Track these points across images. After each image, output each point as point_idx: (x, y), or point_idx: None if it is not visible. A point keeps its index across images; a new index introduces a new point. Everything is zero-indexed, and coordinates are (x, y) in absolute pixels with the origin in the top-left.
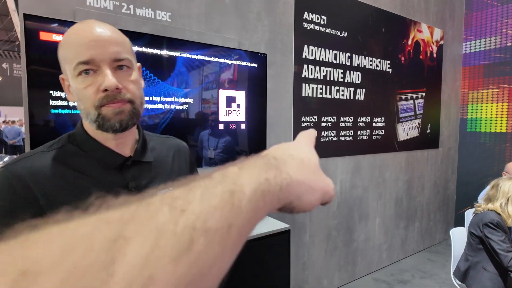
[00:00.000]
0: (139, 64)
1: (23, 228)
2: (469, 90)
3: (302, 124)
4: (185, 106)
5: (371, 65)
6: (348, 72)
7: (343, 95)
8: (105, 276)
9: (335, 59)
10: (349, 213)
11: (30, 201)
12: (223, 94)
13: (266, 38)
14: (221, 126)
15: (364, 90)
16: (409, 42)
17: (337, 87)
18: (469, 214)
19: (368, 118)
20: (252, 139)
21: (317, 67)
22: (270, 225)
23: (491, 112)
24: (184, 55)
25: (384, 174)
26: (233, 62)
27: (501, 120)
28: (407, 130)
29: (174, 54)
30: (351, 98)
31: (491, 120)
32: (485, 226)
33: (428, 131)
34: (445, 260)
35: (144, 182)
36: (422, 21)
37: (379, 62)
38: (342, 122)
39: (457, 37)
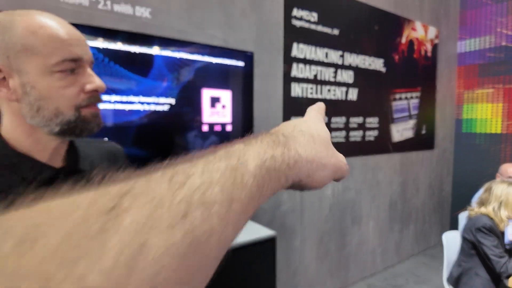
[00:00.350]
0: None
1: (26, 201)
2: (464, 90)
3: None
4: (166, 107)
5: (363, 64)
6: (340, 71)
7: (334, 95)
8: (99, 242)
9: (326, 57)
10: (342, 216)
11: None
12: (207, 94)
13: (253, 35)
14: (205, 128)
15: (356, 89)
16: (403, 41)
17: (328, 87)
18: (463, 218)
19: (361, 118)
20: None
21: (307, 66)
22: (255, 232)
23: (486, 112)
24: (165, 53)
25: (377, 176)
26: (217, 60)
27: (496, 121)
28: (401, 131)
29: (155, 52)
30: (343, 98)
31: (486, 121)
32: (477, 231)
33: (423, 132)
34: (439, 264)
35: None
36: (416, 19)
37: (372, 61)
38: (333, 123)
39: (452, 36)
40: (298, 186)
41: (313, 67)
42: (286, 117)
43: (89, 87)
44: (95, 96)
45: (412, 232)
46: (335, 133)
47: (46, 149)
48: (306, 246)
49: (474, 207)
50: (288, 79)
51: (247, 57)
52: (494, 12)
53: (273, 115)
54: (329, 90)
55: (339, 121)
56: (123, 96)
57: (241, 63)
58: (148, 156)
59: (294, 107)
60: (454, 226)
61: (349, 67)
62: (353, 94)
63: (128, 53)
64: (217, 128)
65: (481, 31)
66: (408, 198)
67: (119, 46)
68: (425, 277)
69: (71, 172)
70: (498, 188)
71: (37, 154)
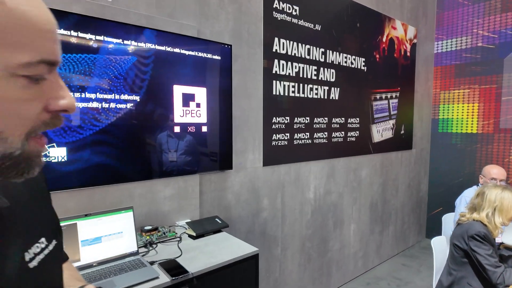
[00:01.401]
0: None
1: None
2: (440, 90)
3: (274, 126)
4: (130, 105)
5: (345, 62)
6: (322, 69)
7: (316, 94)
8: None
9: (308, 54)
10: (324, 221)
11: None
12: (178, 90)
13: (230, 27)
14: (176, 129)
15: (338, 89)
16: (384, 39)
17: (310, 85)
18: (447, 220)
19: (343, 119)
20: (214, 144)
21: (289, 63)
22: (237, 249)
23: (462, 112)
24: (128, 42)
25: (359, 178)
26: (190, 53)
27: (472, 121)
28: (381, 131)
29: (116, 41)
30: (325, 97)
31: (462, 121)
32: (470, 239)
33: (402, 132)
34: (419, 265)
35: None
36: (396, 18)
37: (354, 59)
38: (316, 123)
39: (430, 36)
40: None
41: (295, 64)
42: (267, 117)
43: (61, 103)
44: (59, 119)
45: (392, 233)
46: (318, 134)
47: None
48: (287, 254)
49: (466, 213)
50: (269, 76)
51: (225, 50)
52: (471, 13)
53: (253, 114)
54: (311, 89)
55: (321, 121)
56: (76, 93)
57: (217, 57)
58: (111, 164)
59: (276, 107)
60: (430, 226)
61: (331, 65)
62: (335, 93)
63: (82, 41)
64: (191, 129)
65: (458, 31)
66: (388, 199)
67: (70, 32)
68: (407, 280)
69: None
70: (492, 193)
71: None
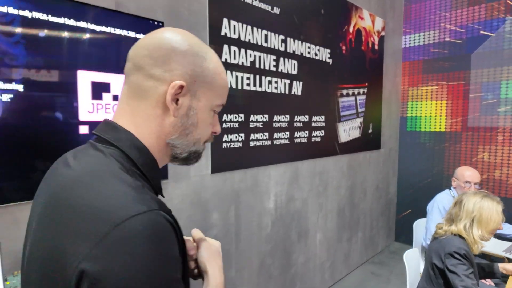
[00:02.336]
0: None
1: None
2: (409, 86)
3: (224, 125)
4: (7, 97)
5: (309, 53)
6: (282, 59)
7: (276, 88)
8: None
9: (266, 41)
10: (286, 232)
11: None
12: (85, 78)
13: (165, 2)
14: (83, 129)
15: (301, 82)
16: (351, 30)
17: (269, 78)
18: (419, 226)
19: (307, 117)
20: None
21: (243, 50)
22: None
23: (431, 110)
24: (14, 12)
25: (325, 182)
26: (104, 29)
27: (440, 119)
28: (348, 131)
29: None
30: (286, 92)
31: (430, 119)
32: (448, 256)
33: (370, 131)
34: (389, 272)
35: None
36: (364, 7)
37: (318, 50)
38: (276, 121)
39: (397, 29)
40: None
41: (250, 52)
42: None
43: (216, 129)
44: (212, 137)
45: (360, 239)
46: (278, 134)
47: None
48: (243, 275)
49: (443, 224)
50: None
51: (154, 28)
52: (438, 6)
53: None
54: (270, 82)
55: (282, 119)
56: None
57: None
58: None
59: (226, 102)
60: (399, 229)
61: (292, 55)
62: (297, 88)
63: None
64: None
65: (426, 25)
66: (356, 203)
67: None
68: None
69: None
70: (470, 202)
71: None
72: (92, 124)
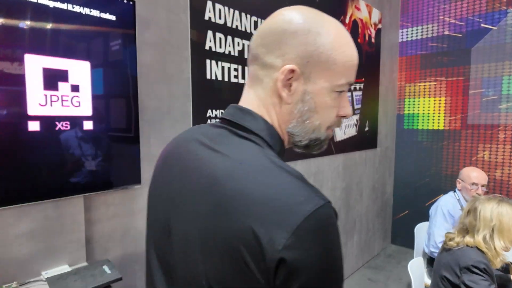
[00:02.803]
0: None
1: None
2: (406, 83)
3: (209, 121)
4: None
5: None
6: None
7: None
8: None
9: (255, 29)
10: None
11: None
12: (35, 63)
13: None
14: (32, 126)
15: None
16: (347, 20)
17: None
18: (420, 231)
19: None
20: (109, 149)
21: (229, 38)
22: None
23: (429, 107)
24: None
25: (320, 183)
26: (60, 5)
27: (439, 116)
28: (344, 129)
29: None
30: None
31: (428, 116)
32: (466, 271)
33: (366, 128)
34: (386, 278)
35: None
36: None
37: None
38: None
39: (394, 22)
40: None
41: (237, 39)
42: (198, 110)
43: (342, 112)
44: (340, 121)
45: (356, 243)
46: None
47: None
48: None
49: (453, 235)
50: (200, 53)
51: (123, 7)
52: None
53: (178, 105)
54: None
55: None
56: None
57: (110, 16)
58: None
59: (212, 96)
60: (396, 231)
61: None
62: None
63: None
64: (64, 126)
65: (423, 18)
66: (352, 205)
67: None
68: None
69: None
70: (486, 209)
71: None
72: (45, 120)
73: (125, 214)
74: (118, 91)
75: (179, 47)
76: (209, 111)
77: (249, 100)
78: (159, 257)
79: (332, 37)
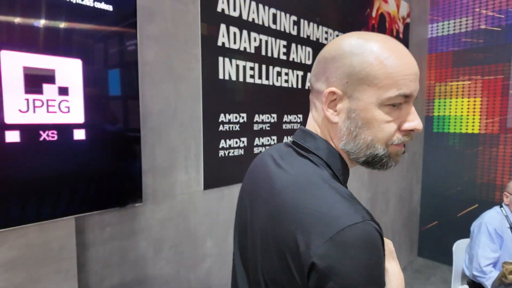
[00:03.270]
0: None
1: None
2: (435, 82)
3: (221, 127)
4: None
5: (326, 38)
6: (294, 46)
7: (287, 81)
8: None
9: (274, 22)
10: None
11: None
12: (14, 62)
13: None
14: (10, 136)
15: None
16: (373, 14)
17: (278, 68)
18: (460, 248)
19: None
20: (103, 162)
21: (245, 32)
22: None
23: (462, 109)
24: None
25: None
26: None
27: (473, 119)
28: None
29: None
30: (299, 86)
31: (461, 119)
32: None
33: None
34: None
35: None
36: None
37: (337, 35)
38: (286, 122)
39: (423, 16)
40: None
41: (254, 34)
42: (210, 114)
43: (407, 126)
44: (408, 136)
45: None
46: (289, 138)
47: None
48: None
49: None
50: (212, 50)
51: None
52: None
53: (186, 108)
54: (279, 73)
55: (294, 120)
56: None
57: (107, 6)
58: None
59: (225, 98)
60: (423, 242)
61: (307, 41)
62: None
63: None
64: (51, 136)
65: (456, 12)
66: (378, 217)
67: None
68: None
69: None
70: None
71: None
72: (26, 129)
73: (124, 235)
74: (116, 94)
75: (188, 42)
76: (222, 115)
77: (309, 122)
78: (240, 253)
79: (368, 55)
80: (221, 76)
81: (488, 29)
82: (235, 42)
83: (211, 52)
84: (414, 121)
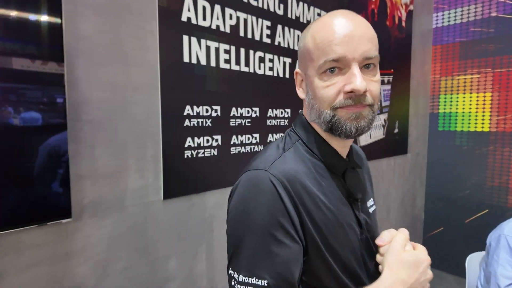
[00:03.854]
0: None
1: None
2: (441, 76)
3: (187, 122)
4: None
5: None
6: (280, 27)
7: (271, 68)
8: None
9: None
10: None
11: (294, 209)
12: None
13: None
14: None
15: None
16: None
17: (260, 53)
18: (473, 262)
19: None
20: (13, 163)
21: (218, 8)
22: None
23: (470, 105)
24: None
25: None
26: None
27: (483, 116)
28: (370, 130)
29: None
30: (287, 75)
31: (469, 116)
32: None
33: (396, 130)
34: None
35: (360, 190)
36: None
37: None
38: (271, 118)
39: (427, 4)
40: None
41: (230, 11)
42: (171, 106)
43: (346, 88)
44: (351, 98)
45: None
46: (275, 135)
47: (334, 143)
48: None
49: None
50: (173, 26)
51: None
52: None
53: (140, 99)
54: (261, 59)
55: (280, 115)
56: None
57: None
58: None
59: (192, 86)
60: (427, 250)
61: (295, 23)
62: None
63: None
64: None
65: None
66: (379, 223)
67: None
68: None
69: (352, 168)
70: None
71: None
72: None
73: (53, 259)
74: (33, 74)
75: (142, 14)
76: (188, 107)
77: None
78: None
79: (308, 33)
80: (186, 59)
81: (500, 17)
82: (204, 19)
83: (173, 29)
84: (352, 83)
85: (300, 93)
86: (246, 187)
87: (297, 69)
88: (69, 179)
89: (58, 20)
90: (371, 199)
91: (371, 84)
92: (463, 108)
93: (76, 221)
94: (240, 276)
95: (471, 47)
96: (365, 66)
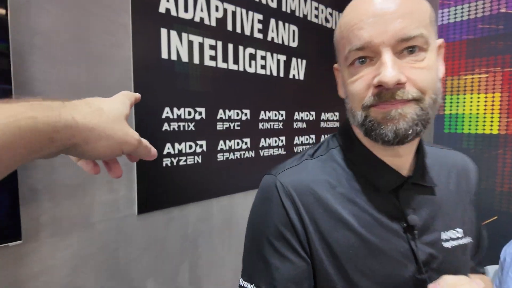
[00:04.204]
0: (440, 40)
1: None
2: (447, 75)
3: (166, 126)
4: None
5: (316, 16)
6: (273, 22)
7: (264, 66)
8: None
9: None
10: None
11: (299, 222)
12: None
13: None
14: None
15: (304, 61)
16: None
17: (251, 50)
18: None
19: (313, 113)
20: None
21: None
22: None
23: (478, 106)
24: None
25: None
26: None
27: (492, 117)
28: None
29: None
30: (281, 74)
31: (477, 118)
32: None
33: None
34: None
35: (425, 215)
36: None
37: (330, 14)
38: (263, 121)
39: (432, 1)
40: (75, 151)
41: (217, 2)
42: (146, 110)
43: (374, 81)
44: (385, 92)
45: None
46: (268, 140)
47: (380, 152)
48: None
49: None
50: (150, 18)
51: None
52: None
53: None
54: (252, 57)
55: (274, 117)
56: None
57: None
58: None
59: (170, 87)
60: None
61: (290, 18)
62: (298, 69)
63: None
64: None
65: None
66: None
67: None
68: None
69: (416, 184)
70: None
71: (380, 157)
72: None
73: (6, 286)
74: None
75: (112, 5)
76: (167, 109)
77: None
78: None
79: (338, 22)
80: (165, 56)
81: (509, 13)
82: (186, 10)
83: (149, 21)
84: (380, 74)
85: (341, 92)
86: (258, 190)
87: (336, 65)
88: (18, 194)
89: (2, 11)
90: (458, 229)
91: (413, 72)
92: (471, 110)
93: (29, 242)
94: (241, 280)
95: (479, 45)
96: (408, 50)
